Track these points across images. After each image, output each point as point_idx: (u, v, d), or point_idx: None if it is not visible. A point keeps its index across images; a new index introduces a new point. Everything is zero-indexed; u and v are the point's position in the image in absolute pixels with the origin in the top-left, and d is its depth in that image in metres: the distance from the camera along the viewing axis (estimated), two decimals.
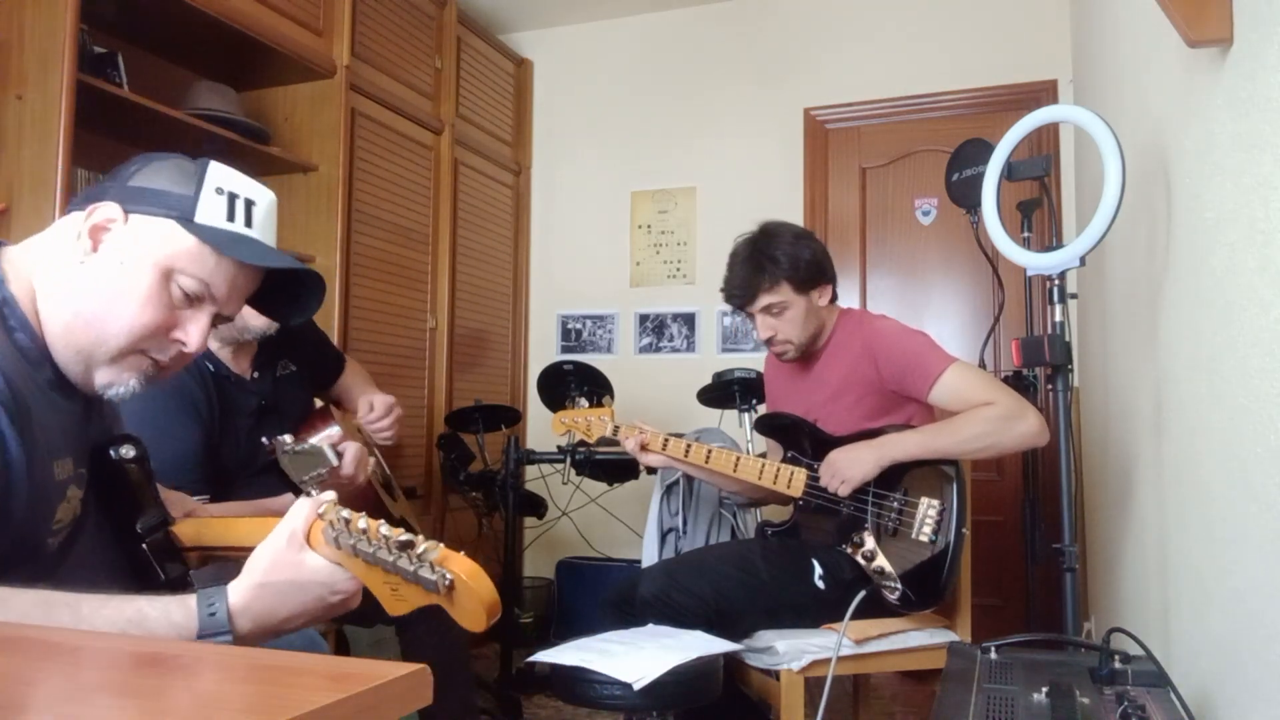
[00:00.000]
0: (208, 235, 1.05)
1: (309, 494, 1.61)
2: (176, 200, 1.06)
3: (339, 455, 1.71)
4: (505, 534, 3.27)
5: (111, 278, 1.03)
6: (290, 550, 0.93)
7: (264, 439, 1.68)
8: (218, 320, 1.10)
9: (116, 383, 1.05)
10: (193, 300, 1.07)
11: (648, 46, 4.34)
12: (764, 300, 2.12)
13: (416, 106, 3.60)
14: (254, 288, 1.14)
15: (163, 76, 2.87)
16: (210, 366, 1.86)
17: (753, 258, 2.13)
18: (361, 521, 0.84)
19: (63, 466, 1.03)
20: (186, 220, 1.05)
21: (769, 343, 2.18)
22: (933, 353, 2.04)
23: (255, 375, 1.95)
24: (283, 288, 1.18)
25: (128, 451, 1.14)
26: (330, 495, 0.94)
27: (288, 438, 1.62)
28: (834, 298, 2.21)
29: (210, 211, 1.07)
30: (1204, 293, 1.42)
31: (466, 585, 0.80)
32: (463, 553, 0.83)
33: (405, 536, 0.82)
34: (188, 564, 1.19)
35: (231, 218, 1.08)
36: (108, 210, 1.04)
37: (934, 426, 2.03)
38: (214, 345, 1.87)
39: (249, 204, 1.10)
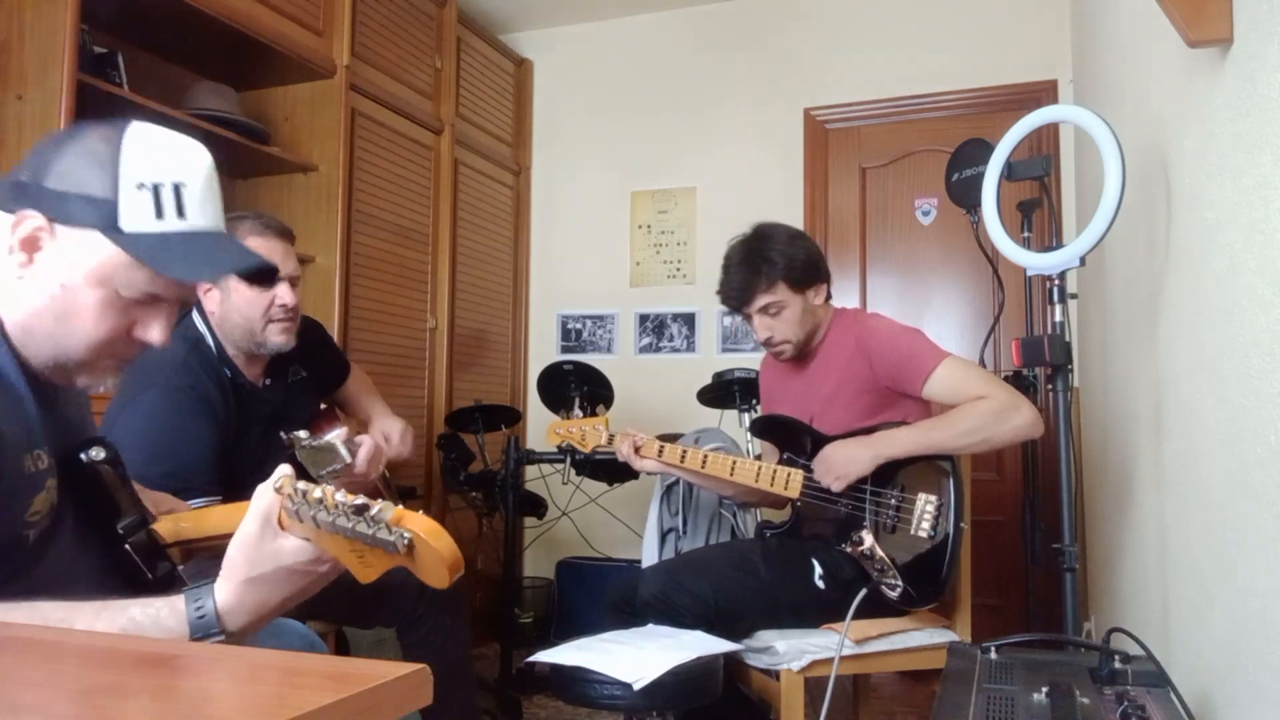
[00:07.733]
0: (137, 247, 0.98)
1: None
2: (98, 207, 0.97)
3: (352, 452, 1.73)
4: (505, 534, 3.27)
5: (55, 299, 0.99)
6: (266, 539, 0.90)
7: (281, 433, 1.70)
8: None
9: (95, 382, 1.05)
10: (145, 300, 1.02)
11: (648, 46, 4.34)
12: (761, 301, 2.12)
13: (416, 106, 3.60)
14: None
15: (163, 76, 2.87)
16: (228, 373, 1.87)
17: (748, 259, 2.13)
18: (317, 491, 0.83)
19: (35, 459, 1.00)
20: (112, 230, 0.97)
21: (767, 343, 2.18)
22: (926, 348, 2.05)
23: (267, 382, 1.96)
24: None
25: (98, 454, 1.10)
26: (284, 469, 0.92)
27: (303, 433, 1.62)
28: (828, 297, 2.21)
29: (136, 214, 0.98)
30: (1204, 293, 1.42)
31: (425, 543, 0.80)
32: (420, 512, 0.83)
33: (360, 500, 0.81)
34: (174, 560, 1.18)
35: (160, 214, 0.99)
36: (33, 221, 0.98)
37: (927, 422, 2.03)
38: (230, 352, 1.88)
39: (178, 189, 1.00)
